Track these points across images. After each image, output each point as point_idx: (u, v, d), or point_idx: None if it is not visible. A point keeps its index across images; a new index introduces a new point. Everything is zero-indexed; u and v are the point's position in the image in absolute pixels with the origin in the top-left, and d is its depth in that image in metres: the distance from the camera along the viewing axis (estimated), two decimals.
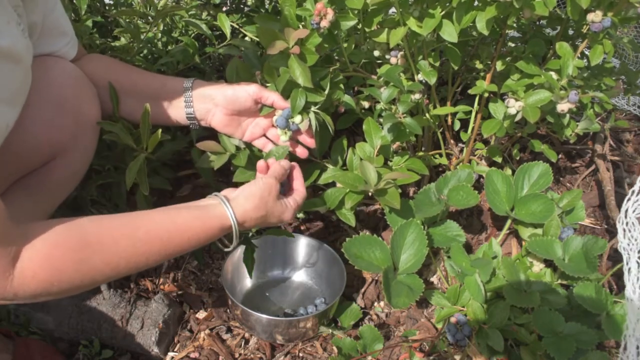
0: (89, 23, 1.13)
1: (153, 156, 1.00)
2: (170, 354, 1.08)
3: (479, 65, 1.20)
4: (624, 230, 0.71)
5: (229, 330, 1.13)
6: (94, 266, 0.70)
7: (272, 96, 0.96)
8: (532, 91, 1.01)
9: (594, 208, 1.41)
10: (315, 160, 1.13)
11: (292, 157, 1.04)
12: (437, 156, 1.26)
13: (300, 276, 1.25)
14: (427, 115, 1.15)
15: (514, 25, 1.21)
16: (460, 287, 1.05)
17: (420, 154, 1.22)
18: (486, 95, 1.14)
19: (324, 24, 0.90)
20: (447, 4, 0.96)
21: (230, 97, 0.96)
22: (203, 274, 1.25)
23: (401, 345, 1.00)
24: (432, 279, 1.22)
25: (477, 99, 1.18)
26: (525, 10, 0.91)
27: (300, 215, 1.33)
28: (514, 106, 1.03)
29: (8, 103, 0.75)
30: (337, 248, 1.26)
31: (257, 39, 1.14)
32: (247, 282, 1.21)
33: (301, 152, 1.03)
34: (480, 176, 1.24)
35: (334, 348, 1.07)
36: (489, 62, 1.17)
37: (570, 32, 1.19)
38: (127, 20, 1.16)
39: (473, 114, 1.20)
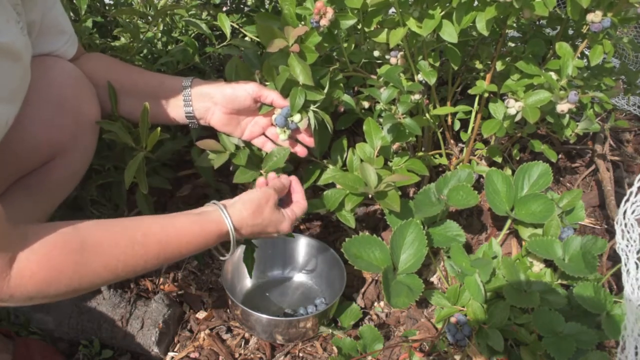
0: (89, 23, 1.13)
1: (153, 155, 1.00)
2: (170, 354, 1.08)
3: (479, 65, 1.20)
4: (623, 231, 0.71)
5: (229, 330, 1.13)
6: (92, 268, 0.69)
7: (271, 95, 0.96)
8: (531, 91, 1.01)
9: (594, 208, 1.41)
10: (315, 160, 1.13)
11: (291, 156, 1.04)
12: (437, 156, 1.26)
13: (300, 276, 1.25)
14: (427, 115, 1.15)
15: (514, 25, 1.21)
16: (460, 287, 1.05)
17: (420, 154, 1.22)
18: (486, 95, 1.14)
19: (324, 22, 0.90)
20: (447, 5, 0.96)
21: (230, 96, 0.96)
22: (203, 274, 1.25)
23: (401, 345, 1.00)
24: (432, 279, 1.22)
25: (477, 99, 1.18)
26: (525, 10, 0.91)
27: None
28: (513, 106, 1.03)
29: (7, 101, 0.75)
30: (337, 248, 1.26)
31: (257, 39, 1.14)
32: (247, 282, 1.21)
33: (300, 151, 1.03)
34: (480, 176, 1.24)
35: (334, 348, 1.07)
36: (489, 62, 1.17)
37: (570, 32, 1.19)
38: (127, 20, 1.16)
39: (473, 114, 1.20)
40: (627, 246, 0.70)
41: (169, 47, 1.23)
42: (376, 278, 1.23)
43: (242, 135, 1.02)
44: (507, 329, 0.96)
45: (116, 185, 1.15)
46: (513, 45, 1.22)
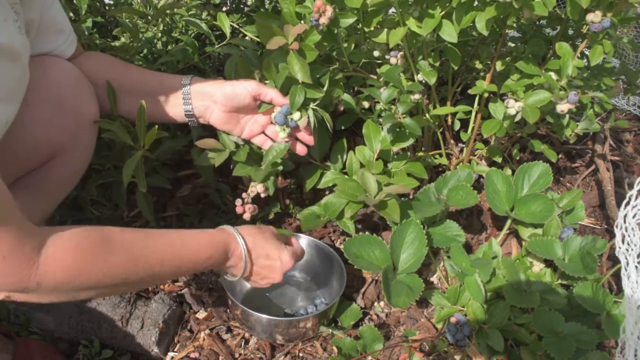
0: (89, 23, 1.13)
1: (152, 155, 1.00)
2: (170, 354, 1.08)
3: (478, 65, 1.20)
4: (623, 235, 0.71)
5: (229, 330, 1.13)
6: (115, 262, 0.72)
7: (270, 93, 0.96)
8: (531, 91, 1.01)
9: (594, 208, 1.41)
10: (315, 162, 1.13)
11: (291, 155, 1.04)
12: (437, 156, 1.26)
13: (300, 276, 1.25)
14: (427, 115, 1.15)
15: (514, 25, 1.21)
16: (460, 287, 1.05)
17: (420, 154, 1.22)
18: (486, 95, 1.14)
19: (323, 20, 0.90)
20: (447, 4, 0.96)
21: (229, 94, 0.96)
22: (203, 274, 1.25)
23: (401, 345, 1.00)
24: (432, 279, 1.22)
25: (477, 99, 1.18)
26: (524, 10, 0.91)
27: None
28: (513, 106, 1.03)
29: (6, 101, 0.75)
30: (337, 248, 1.26)
31: (257, 39, 1.14)
32: (252, 284, 1.21)
33: (300, 150, 1.03)
34: (480, 176, 1.24)
35: (334, 348, 1.07)
36: (489, 62, 1.17)
37: (570, 32, 1.19)
38: (127, 19, 1.16)
39: (473, 114, 1.20)
40: (627, 250, 0.70)
41: (169, 47, 1.23)
42: (376, 278, 1.23)
43: (241, 133, 1.02)
44: (507, 329, 0.96)
45: (116, 185, 1.15)
46: (513, 45, 1.22)
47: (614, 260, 1.21)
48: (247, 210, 1.07)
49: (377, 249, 1.02)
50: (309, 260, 1.24)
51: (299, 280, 1.25)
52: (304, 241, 1.24)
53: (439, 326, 1.05)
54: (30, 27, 0.85)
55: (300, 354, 1.09)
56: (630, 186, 0.81)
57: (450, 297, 1.04)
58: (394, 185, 1.01)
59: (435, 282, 1.21)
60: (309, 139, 1.02)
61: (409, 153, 1.15)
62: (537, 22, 1.25)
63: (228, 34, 1.14)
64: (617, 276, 1.14)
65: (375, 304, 1.20)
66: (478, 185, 1.27)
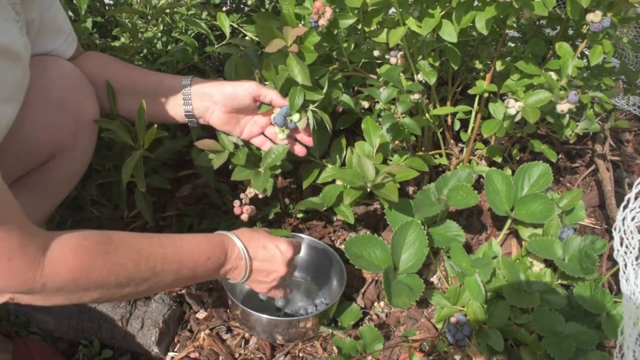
0: (89, 23, 1.13)
1: (152, 154, 1.00)
2: (170, 354, 1.08)
3: (478, 65, 1.20)
4: (622, 238, 0.71)
5: (229, 330, 1.13)
6: (118, 259, 0.73)
7: (270, 94, 0.96)
8: (531, 91, 1.01)
9: (594, 208, 1.41)
10: (314, 160, 1.13)
11: (290, 155, 1.04)
12: (437, 156, 1.26)
13: (300, 276, 1.25)
14: (427, 115, 1.15)
15: (514, 25, 1.21)
16: (460, 287, 1.05)
17: (420, 153, 1.22)
18: (486, 95, 1.14)
19: (322, 22, 0.90)
20: (447, 4, 0.96)
21: (229, 95, 0.96)
22: None
23: (401, 345, 1.00)
24: (432, 279, 1.22)
25: (477, 99, 1.18)
26: (524, 10, 0.91)
27: (300, 215, 1.33)
28: (513, 106, 1.03)
29: (8, 101, 0.75)
30: (337, 248, 1.26)
31: (257, 39, 1.14)
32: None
33: (299, 151, 1.03)
34: (480, 176, 1.24)
35: (334, 348, 1.07)
36: (489, 62, 1.17)
37: (570, 32, 1.19)
38: (127, 19, 1.16)
39: (473, 114, 1.20)
40: (625, 253, 0.70)
41: (169, 47, 1.24)
42: (376, 278, 1.23)
43: (241, 134, 1.02)
44: (507, 329, 0.96)
45: (116, 185, 1.15)
46: (513, 45, 1.22)
47: (614, 260, 1.20)
48: (245, 212, 1.07)
49: (378, 249, 1.02)
50: (309, 260, 1.24)
51: (299, 280, 1.25)
52: (304, 241, 1.24)
53: (439, 326, 1.05)
54: (31, 27, 0.85)
55: (300, 354, 1.09)
56: (630, 186, 0.80)
57: (450, 297, 1.04)
58: (392, 166, 1.01)
59: (435, 282, 1.21)
60: (308, 140, 1.02)
61: (408, 153, 1.15)
62: (537, 22, 1.25)
63: (228, 34, 1.14)
64: (617, 276, 1.14)
65: (375, 304, 1.20)
66: (478, 185, 1.27)
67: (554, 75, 1.02)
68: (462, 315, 0.99)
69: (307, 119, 0.98)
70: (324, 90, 0.99)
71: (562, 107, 1.01)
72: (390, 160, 1.12)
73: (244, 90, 0.96)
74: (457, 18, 0.95)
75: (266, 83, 1.01)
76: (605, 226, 1.36)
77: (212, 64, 1.45)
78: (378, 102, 1.08)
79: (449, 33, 0.95)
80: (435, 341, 1.00)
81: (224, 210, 1.30)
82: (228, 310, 1.16)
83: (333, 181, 1.11)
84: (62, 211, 1.21)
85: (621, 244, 0.71)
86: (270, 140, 1.03)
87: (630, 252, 0.70)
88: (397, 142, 1.14)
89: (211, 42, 1.20)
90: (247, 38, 1.20)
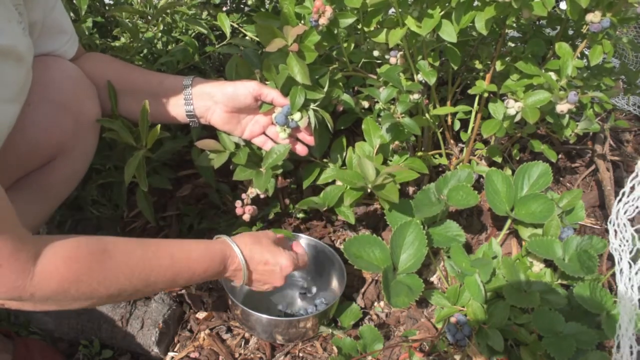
0: (89, 23, 1.13)
1: (153, 155, 1.00)
2: (170, 354, 1.08)
3: (478, 65, 1.20)
4: (616, 231, 0.71)
5: (229, 330, 1.13)
6: (112, 272, 0.72)
7: (271, 93, 0.96)
8: (531, 92, 1.01)
9: (594, 208, 1.41)
10: (315, 160, 1.13)
11: (291, 155, 1.04)
12: (437, 156, 1.26)
13: (300, 276, 1.25)
14: (427, 115, 1.15)
15: (514, 25, 1.21)
16: (460, 287, 1.05)
17: (420, 154, 1.22)
18: (486, 95, 1.14)
19: (323, 21, 0.90)
20: (447, 4, 0.96)
21: (230, 95, 0.96)
22: None
23: (401, 345, 1.00)
24: (432, 279, 1.22)
25: (477, 99, 1.18)
26: (524, 10, 0.91)
27: (300, 215, 1.33)
28: (513, 106, 1.03)
29: (11, 101, 0.76)
30: (337, 248, 1.26)
31: (257, 39, 1.14)
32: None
33: (301, 150, 1.03)
34: (480, 176, 1.24)
35: (334, 348, 1.07)
36: (489, 62, 1.17)
37: (570, 32, 1.19)
38: (127, 19, 1.16)
39: (473, 114, 1.20)
40: (620, 246, 0.71)
41: (169, 47, 1.24)
42: (376, 278, 1.23)
43: (242, 134, 1.02)
44: (507, 329, 0.96)
45: (117, 185, 1.15)
46: (513, 45, 1.22)
47: (614, 260, 1.20)
48: (247, 212, 1.07)
49: (377, 249, 1.02)
50: (309, 260, 1.24)
51: (299, 280, 1.25)
52: (304, 241, 1.24)
53: (439, 326, 1.05)
54: (34, 28, 0.85)
55: (300, 354, 1.09)
56: None
57: (450, 297, 1.04)
58: (392, 166, 1.01)
59: (435, 282, 1.21)
60: (310, 140, 1.02)
61: (408, 153, 1.15)
62: (537, 22, 1.25)
63: (228, 34, 1.14)
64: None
65: (375, 304, 1.20)
66: (478, 185, 1.27)
67: (553, 76, 1.02)
68: (462, 315, 0.99)
69: (309, 118, 0.98)
70: (325, 90, 0.99)
71: (562, 107, 1.01)
72: (390, 161, 1.12)
73: (245, 89, 0.96)
74: (457, 18, 0.95)
75: (267, 83, 1.01)
76: (605, 226, 1.36)
77: (213, 64, 1.45)
78: (378, 102, 1.08)
79: (449, 33, 0.95)
80: (435, 341, 1.00)
81: (224, 210, 1.30)
82: (228, 310, 1.16)
83: (333, 181, 1.11)
84: (63, 211, 1.21)
85: (615, 237, 0.71)
86: (272, 139, 1.03)
87: (625, 246, 0.70)
88: (397, 142, 1.14)
89: (211, 42, 1.20)
90: (247, 38, 1.20)
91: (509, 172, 1.19)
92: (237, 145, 1.03)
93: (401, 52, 1.05)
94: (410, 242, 1.02)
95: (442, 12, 0.95)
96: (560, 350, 0.89)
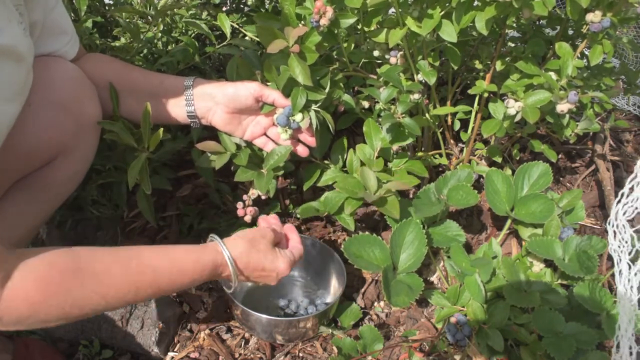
0: (89, 23, 1.13)
1: (154, 156, 1.00)
2: (170, 354, 1.08)
3: (478, 65, 1.20)
4: (615, 232, 0.71)
5: (229, 330, 1.13)
6: (85, 293, 0.67)
7: (273, 94, 0.96)
8: (531, 91, 1.01)
9: (594, 208, 1.41)
10: (315, 160, 1.13)
11: (292, 156, 1.04)
12: (437, 156, 1.26)
13: (300, 276, 1.25)
14: (427, 115, 1.15)
15: (514, 25, 1.21)
16: (460, 287, 1.05)
17: (420, 154, 1.22)
18: (486, 95, 1.14)
19: (324, 22, 0.90)
20: (447, 4, 0.96)
21: (231, 95, 0.96)
22: None
23: (401, 345, 1.00)
24: (432, 279, 1.22)
25: (477, 99, 1.18)
26: (524, 10, 0.91)
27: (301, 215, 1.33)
28: (513, 106, 1.03)
29: (10, 101, 0.76)
30: (337, 248, 1.26)
31: (257, 39, 1.14)
32: (247, 282, 1.21)
33: (302, 151, 1.03)
34: (480, 176, 1.24)
35: (334, 348, 1.07)
36: (489, 62, 1.17)
37: (570, 32, 1.19)
38: (127, 20, 1.16)
39: (473, 114, 1.20)
40: (619, 247, 0.71)
41: (169, 47, 1.24)
42: (376, 278, 1.23)
43: (243, 135, 1.02)
44: (507, 329, 0.96)
45: (117, 186, 1.15)
46: (513, 45, 1.22)
47: (614, 260, 1.20)
48: (248, 213, 1.07)
49: (377, 248, 1.02)
50: (309, 260, 1.24)
51: (299, 280, 1.25)
52: (304, 241, 1.24)
53: (439, 326, 1.05)
54: (34, 29, 0.85)
55: (300, 354, 1.09)
56: None
57: (450, 297, 1.04)
58: (394, 182, 1.01)
59: (435, 282, 1.22)
60: (311, 141, 1.02)
61: (408, 153, 1.15)
62: (537, 22, 1.25)
63: (228, 34, 1.14)
64: None
65: (375, 304, 1.20)
66: (478, 185, 1.27)
67: (553, 75, 1.02)
68: (462, 315, 0.99)
69: (310, 118, 0.98)
70: (326, 90, 0.99)
71: (562, 107, 1.01)
72: (391, 163, 1.13)
73: (246, 90, 0.96)
74: (457, 18, 0.95)
75: (268, 84, 1.01)
76: (605, 226, 1.35)
77: (213, 64, 1.45)
78: (378, 102, 1.08)
79: (449, 33, 0.95)
80: (435, 341, 1.00)
81: (224, 210, 1.30)
82: (228, 310, 1.16)
83: (334, 183, 1.11)
84: (63, 211, 1.21)
85: (614, 238, 0.71)
86: (273, 141, 1.03)
87: (624, 247, 0.70)
88: (397, 145, 1.14)
89: (211, 43, 1.20)
90: (247, 38, 1.20)
91: (509, 172, 1.20)
92: (238, 147, 1.03)
93: (401, 52, 1.05)
94: (410, 242, 1.02)
95: (442, 12, 0.95)
96: (560, 350, 0.89)
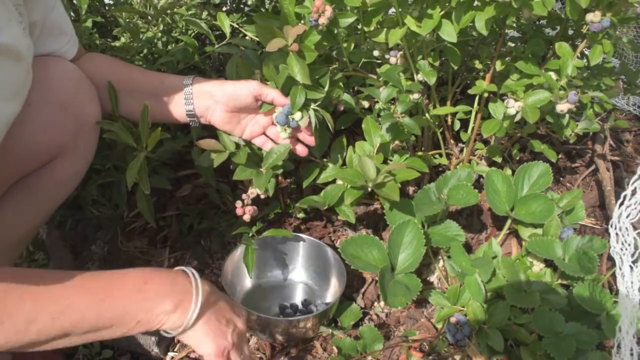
0: (89, 23, 1.13)
1: (153, 155, 1.00)
2: (170, 354, 1.08)
3: (478, 65, 1.20)
4: (617, 235, 0.71)
5: None
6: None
7: (272, 93, 0.96)
8: (531, 91, 1.02)
9: (594, 208, 1.41)
10: (315, 159, 1.13)
11: (291, 155, 1.04)
12: (437, 156, 1.26)
13: (300, 276, 1.25)
14: (427, 115, 1.15)
15: (514, 25, 1.21)
16: (460, 287, 1.05)
17: (420, 153, 1.22)
18: (486, 95, 1.14)
19: (323, 20, 0.90)
20: (447, 4, 0.96)
21: (231, 94, 0.96)
22: (203, 274, 1.25)
23: (401, 345, 1.00)
24: (432, 279, 1.22)
25: (477, 99, 1.18)
26: (524, 10, 0.91)
27: (301, 214, 1.33)
28: (513, 106, 1.03)
29: (9, 100, 0.76)
30: (337, 248, 1.26)
31: (257, 39, 1.14)
32: (247, 282, 1.21)
33: (301, 151, 1.03)
34: (480, 176, 1.24)
35: (334, 348, 1.07)
36: (489, 62, 1.17)
37: (570, 32, 1.19)
38: (127, 19, 1.16)
39: (473, 114, 1.20)
40: (621, 249, 0.70)
41: (169, 47, 1.24)
42: (376, 278, 1.23)
43: (242, 134, 1.02)
44: (507, 329, 0.96)
45: (116, 185, 1.15)
46: (513, 45, 1.22)
47: (614, 260, 1.20)
48: (247, 212, 1.07)
49: (374, 249, 1.02)
50: (309, 260, 1.24)
51: (299, 280, 1.25)
52: (304, 241, 1.24)
53: (439, 326, 1.05)
54: (34, 29, 0.85)
55: (300, 354, 1.09)
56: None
57: (450, 297, 1.04)
58: (392, 165, 1.01)
59: (435, 282, 1.21)
60: (310, 140, 1.02)
61: (408, 153, 1.15)
62: (537, 22, 1.25)
63: (228, 34, 1.14)
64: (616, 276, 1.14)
65: (375, 304, 1.20)
66: (478, 185, 1.27)
67: (553, 75, 1.02)
68: (462, 315, 0.99)
69: (309, 117, 0.98)
70: (325, 89, 0.99)
71: (562, 107, 1.01)
72: (391, 160, 1.13)
73: (245, 89, 0.96)
74: (457, 18, 0.95)
75: (267, 83, 1.01)
76: (605, 226, 1.36)
77: (213, 64, 1.45)
78: (378, 102, 1.08)
79: (449, 33, 0.95)
80: (435, 341, 1.00)
81: (224, 210, 1.31)
82: None
83: (334, 181, 1.11)
84: (63, 211, 1.21)
85: (617, 241, 0.71)
86: (272, 140, 1.03)
87: (626, 249, 0.70)
88: (397, 142, 1.14)
89: (211, 42, 1.20)
90: (247, 38, 1.20)
91: (509, 172, 1.20)
92: (237, 145, 1.03)
93: (401, 52, 1.05)
94: (408, 242, 1.02)
95: (442, 12, 0.95)
96: (560, 350, 0.89)
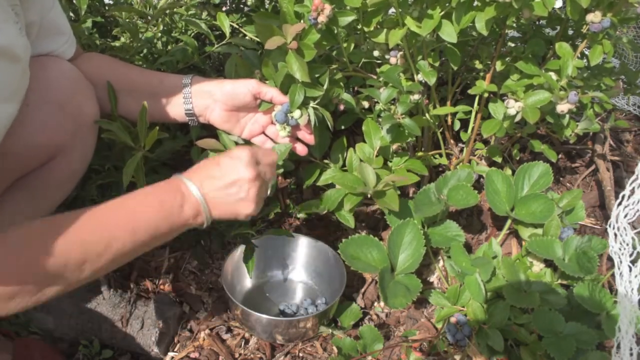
0: (89, 23, 1.13)
1: (152, 155, 1.00)
2: (170, 354, 1.08)
3: (478, 65, 1.20)
4: (615, 235, 0.71)
5: (229, 330, 1.13)
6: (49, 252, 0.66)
7: (270, 91, 0.96)
8: (531, 91, 1.01)
9: (594, 208, 1.41)
10: (315, 160, 1.13)
11: (291, 155, 1.04)
12: (437, 156, 1.26)
13: (300, 276, 1.25)
14: (427, 115, 1.15)
15: (514, 25, 1.21)
16: (460, 287, 1.05)
17: (420, 154, 1.22)
18: (486, 95, 1.14)
19: (322, 19, 0.90)
20: (447, 4, 0.96)
21: (229, 93, 0.96)
22: (203, 274, 1.25)
23: (401, 345, 1.00)
24: (432, 279, 1.22)
25: (477, 99, 1.18)
26: (524, 10, 0.91)
27: (301, 215, 1.33)
28: (513, 106, 1.03)
29: (6, 101, 0.75)
30: (337, 248, 1.26)
31: (257, 39, 1.14)
32: (247, 282, 1.21)
33: (301, 150, 1.03)
34: (480, 176, 1.24)
35: (334, 348, 1.07)
36: (489, 62, 1.17)
37: (570, 32, 1.19)
38: (127, 19, 1.16)
39: (473, 114, 1.20)
40: (620, 249, 0.71)
41: (169, 47, 1.24)
42: (376, 278, 1.23)
43: (241, 133, 1.02)
44: (507, 329, 0.96)
45: (116, 185, 1.15)
46: (513, 45, 1.22)
47: (614, 260, 1.20)
48: None
49: (374, 250, 1.02)
50: (309, 260, 1.24)
51: (299, 280, 1.25)
52: (304, 241, 1.24)
53: (439, 326, 1.05)
54: (31, 29, 0.85)
55: (300, 354, 1.09)
56: None
57: (450, 297, 1.04)
58: (392, 175, 1.01)
59: (435, 282, 1.21)
60: (310, 138, 1.02)
61: (408, 153, 1.15)
62: (537, 22, 1.25)
63: (228, 34, 1.14)
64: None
65: (375, 304, 1.20)
66: (478, 185, 1.27)
67: (553, 76, 1.02)
68: (462, 315, 0.99)
69: (308, 115, 0.98)
70: (325, 87, 0.99)
71: (562, 107, 1.01)
72: (391, 162, 1.13)
73: (244, 87, 0.96)
74: (457, 18, 0.95)
75: (267, 82, 1.01)
76: (605, 226, 1.35)
77: (212, 63, 1.45)
78: (378, 102, 1.08)
79: (449, 33, 0.95)
80: (435, 341, 1.00)
81: None
82: (228, 310, 1.16)
83: (333, 183, 1.11)
84: (62, 211, 1.21)
85: (615, 241, 0.71)
86: (272, 139, 1.03)
87: (625, 249, 0.70)
88: (397, 144, 1.14)
89: (211, 42, 1.20)
90: (246, 38, 1.20)
91: (509, 172, 1.20)
92: (236, 144, 1.03)
93: (401, 52, 1.05)
94: (408, 242, 1.02)
95: (442, 12, 0.95)
96: (560, 350, 0.89)
